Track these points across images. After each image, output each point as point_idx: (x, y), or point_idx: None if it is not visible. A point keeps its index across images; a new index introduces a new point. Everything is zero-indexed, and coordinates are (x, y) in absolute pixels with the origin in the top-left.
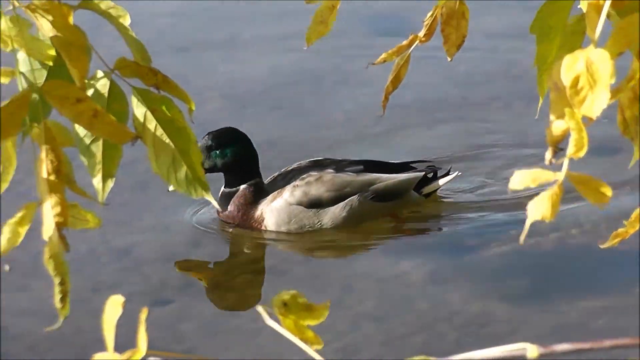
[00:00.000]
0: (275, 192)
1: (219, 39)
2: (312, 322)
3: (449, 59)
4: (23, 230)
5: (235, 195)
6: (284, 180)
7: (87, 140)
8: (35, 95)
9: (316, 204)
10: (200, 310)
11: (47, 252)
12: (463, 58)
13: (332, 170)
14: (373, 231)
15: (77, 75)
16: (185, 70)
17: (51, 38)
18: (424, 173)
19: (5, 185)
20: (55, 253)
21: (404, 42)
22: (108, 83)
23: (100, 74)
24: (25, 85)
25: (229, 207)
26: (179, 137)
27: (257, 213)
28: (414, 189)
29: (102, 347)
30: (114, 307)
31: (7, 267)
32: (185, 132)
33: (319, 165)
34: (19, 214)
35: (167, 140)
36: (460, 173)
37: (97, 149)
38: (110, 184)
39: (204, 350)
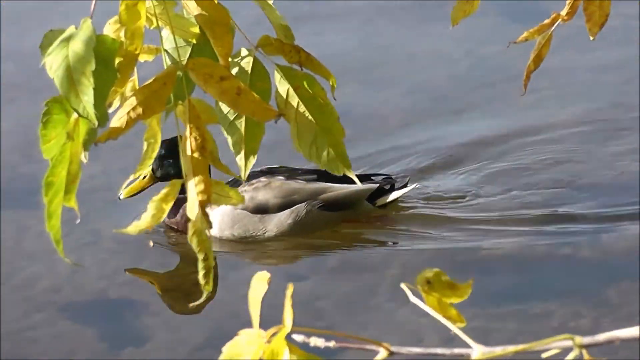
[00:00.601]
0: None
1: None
2: (455, 300)
3: (591, 38)
4: (167, 207)
5: (183, 202)
6: (234, 186)
7: (230, 118)
8: (179, 73)
9: (262, 210)
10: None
11: (191, 228)
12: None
13: (282, 177)
14: (316, 242)
15: (221, 53)
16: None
17: (196, 16)
18: (377, 185)
19: (149, 163)
20: (199, 229)
21: (546, 21)
22: (251, 61)
23: (244, 51)
24: (169, 62)
25: (175, 215)
26: (322, 114)
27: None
28: (368, 200)
29: (237, 322)
30: (259, 283)
31: (151, 243)
32: (328, 110)
33: (272, 172)
34: (164, 191)
35: (310, 118)
36: (418, 185)
37: (240, 126)
38: (253, 160)
39: (343, 328)
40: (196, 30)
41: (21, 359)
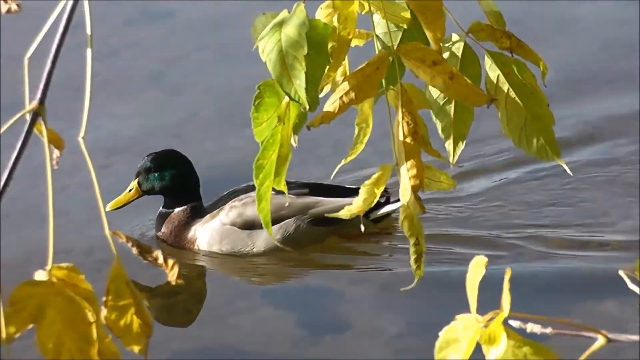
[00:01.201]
0: (213, 213)
1: None
2: None
3: None
4: (378, 191)
5: (169, 217)
6: (224, 201)
7: (440, 103)
8: (391, 58)
9: (250, 226)
10: None
11: (402, 213)
12: None
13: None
14: (304, 258)
15: (434, 38)
16: None
17: (407, 1)
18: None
19: (361, 147)
20: (411, 214)
21: None
22: (462, 46)
23: (454, 37)
24: (380, 47)
25: (162, 228)
26: (532, 100)
27: (190, 233)
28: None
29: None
30: (477, 268)
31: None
32: (538, 96)
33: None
34: (376, 175)
35: (520, 104)
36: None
37: (449, 111)
38: (462, 146)
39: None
40: (407, 15)
41: (224, 343)
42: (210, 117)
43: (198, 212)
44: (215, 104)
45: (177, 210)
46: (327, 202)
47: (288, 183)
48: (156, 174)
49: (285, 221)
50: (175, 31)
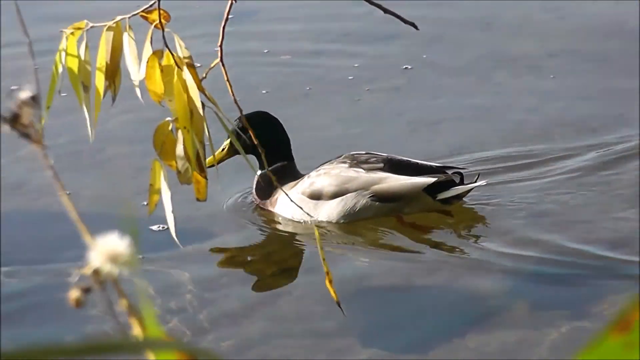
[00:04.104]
0: (298, 180)
1: None
2: None
3: None
4: None
5: (258, 177)
6: (318, 171)
7: None
8: None
9: (317, 196)
10: None
11: None
12: None
13: (345, 165)
14: (366, 231)
15: None
16: None
17: None
18: (434, 180)
19: None
20: None
21: None
22: None
23: None
24: None
25: (253, 188)
26: None
27: (273, 196)
28: (430, 193)
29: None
30: None
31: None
32: None
33: (354, 159)
34: None
35: None
36: (485, 182)
37: None
38: None
39: None
40: None
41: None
42: None
43: (286, 175)
44: None
45: (265, 171)
46: (394, 179)
47: (370, 157)
48: (246, 135)
49: (346, 195)
50: None
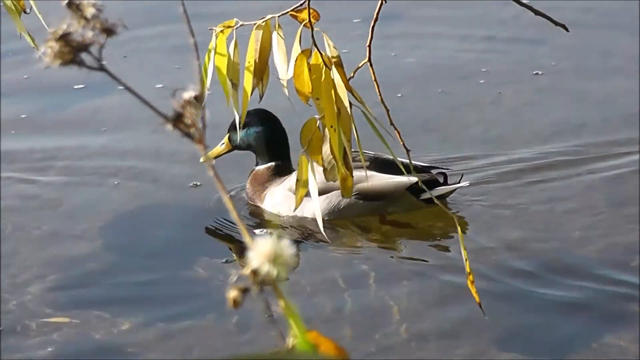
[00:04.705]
0: (286, 177)
1: None
2: None
3: None
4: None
5: (253, 173)
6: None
7: None
8: None
9: None
10: None
11: None
12: None
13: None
14: (350, 231)
15: None
16: None
17: None
18: (417, 179)
19: None
20: None
21: None
22: None
23: None
24: None
25: (247, 183)
26: None
27: (264, 192)
28: (414, 193)
29: None
30: None
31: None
32: None
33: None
34: None
35: None
36: (468, 183)
37: None
38: None
39: None
40: None
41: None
42: None
43: (280, 172)
44: None
45: (261, 167)
46: (379, 178)
47: (354, 156)
48: (245, 130)
49: (332, 192)
50: None
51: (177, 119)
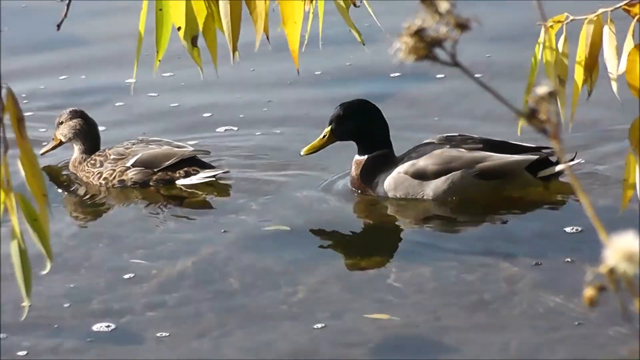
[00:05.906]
0: (397, 162)
1: None
2: None
3: None
4: None
5: (358, 163)
6: (415, 153)
7: None
8: None
9: (421, 176)
10: None
11: None
12: None
13: (446, 146)
14: (475, 208)
15: None
16: None
17: None
18: (537, 156)
19: None
20: None
21: None
22: None
23: None
24: None
25: (352, 173)
26: None
27: (374, 180)
28: (531, 171)
29: None
30: None
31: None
32: None
33: (449, 141)
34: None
35: None
36: (583, 160)
37: None
38: None
39: None
40: None
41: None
42: None
43: (385, 160)
44: None
45: (366, 157)
46: (497, 158)
47: (467, 138)
48: (347, 122)
49: (452, 173)
50: None
51: (532, 115)
